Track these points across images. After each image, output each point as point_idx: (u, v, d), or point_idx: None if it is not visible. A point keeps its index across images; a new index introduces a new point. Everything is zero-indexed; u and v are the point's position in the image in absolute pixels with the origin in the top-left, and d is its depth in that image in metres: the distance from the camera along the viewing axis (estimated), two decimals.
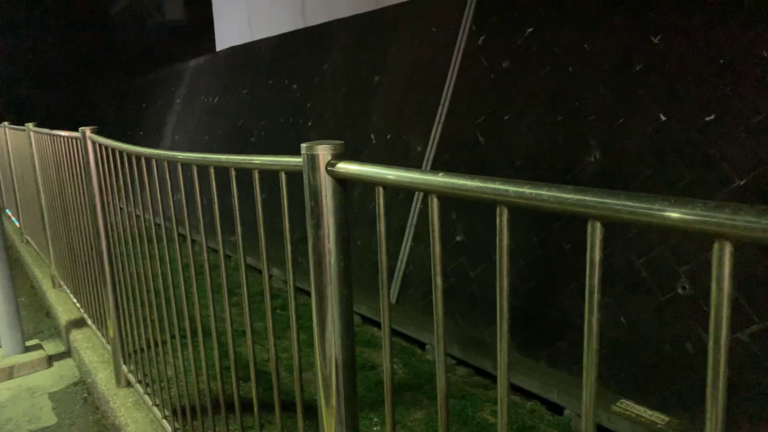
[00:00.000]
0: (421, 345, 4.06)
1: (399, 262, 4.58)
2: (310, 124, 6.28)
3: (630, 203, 0.53)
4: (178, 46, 14.66)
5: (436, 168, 4.55)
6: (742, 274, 2.74)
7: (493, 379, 3.48)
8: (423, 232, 4.40)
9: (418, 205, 4.54)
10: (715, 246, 0.48)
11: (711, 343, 0.49)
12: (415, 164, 4.69)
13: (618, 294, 3.17)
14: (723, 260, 0.47)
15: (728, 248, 0.47)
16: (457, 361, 3.79)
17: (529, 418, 3.15)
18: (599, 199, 0.56)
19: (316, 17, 6.79)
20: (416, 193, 4.40)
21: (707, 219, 0.47)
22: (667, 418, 2.82)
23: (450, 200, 4.30)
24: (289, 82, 6.86)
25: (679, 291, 2.94)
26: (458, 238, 4.18)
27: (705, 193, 2.95)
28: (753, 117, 2.84)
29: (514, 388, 3.40)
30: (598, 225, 0.57)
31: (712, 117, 3.01)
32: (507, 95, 4.14)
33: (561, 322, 3.36)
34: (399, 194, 4.70)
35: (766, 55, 2.84)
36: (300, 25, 7.11)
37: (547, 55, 3.91)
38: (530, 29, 4.10)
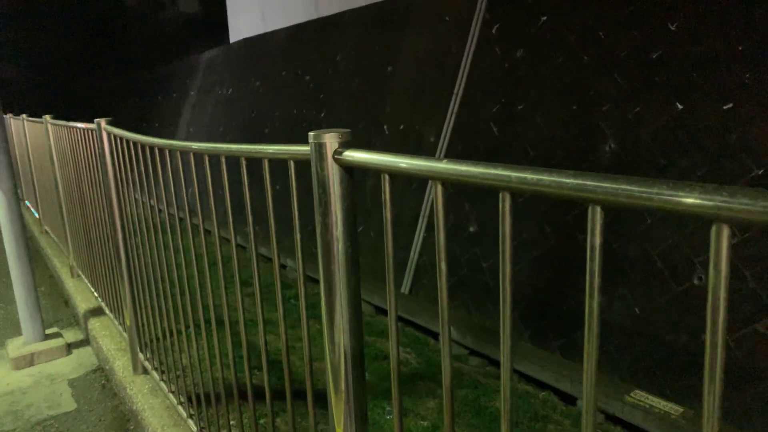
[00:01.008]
0: (435, 335, 4.07)
1: (412, 253, 4.59)
2: (323, 114, 6.29)
3: (628, 187, 0.53)
4: (192, 38, 14.74)
5: (449, 158, 4.54)
6: (759, 264, 2.70)
7: None
8: (434, 224, 4.39)
9: (431, 196, 4.54)
10: (713, 229, 0.48)
11: (708, 326, 0.49)
12: (428, 154, 4.68)
13: (633, 285, 3.15)
14: (721, 243, 0.47)
15: (726, 231, 0.47)
16: (470, 351, 3.80)
17: (542, 407, 3.15)
18: (598, 183, 0.56)
19: (329, 8, 6.78)
20: (429, 183, 4.40)
21: (705, 202, 0.47)
22: (681, 409, 2.80)
23: (463, 191, 4.28)
24: (303, 73, 6.87)
25: (695, 282, 2.91)
26: (471, 229, 4.17)
27: (723, 183, 2.90)
28: None
29: (527, 378, 3.40)
30: (598, 209, 0.58)
31: (730, 105, 2.96)
32: (521, 84, 4.10)
33: (575, 313, 3.35)
34: (412, 184, 4.70)
35: None
36: (313, 16, 7.10)
37: (562, 44, 3.87)
38: (544, 17, 4.06)
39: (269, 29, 8.11)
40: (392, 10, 5.69)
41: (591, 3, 3.78)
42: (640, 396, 2.96)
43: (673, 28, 3.27)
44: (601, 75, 3.59)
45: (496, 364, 3.54)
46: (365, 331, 4.13)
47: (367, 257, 4.95)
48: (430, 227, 4.45)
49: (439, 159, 0.81)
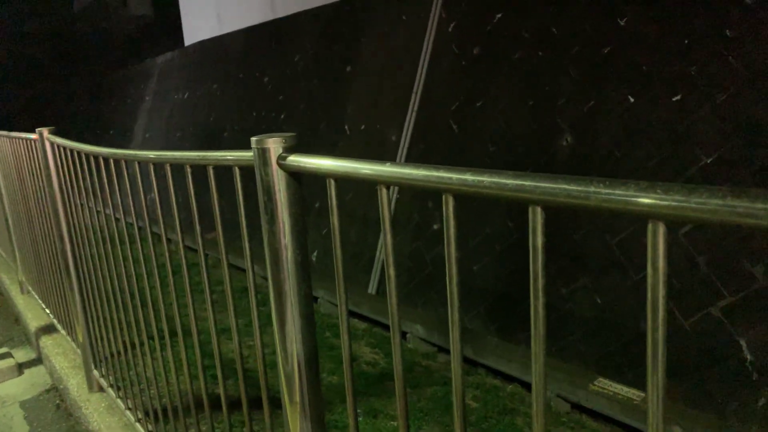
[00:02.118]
0: (403, 334, 4.06)
1: (378, 253, 4.57)
2: (283, 116, 6.21)
3: (566, 186, 0.52)
4: (145, 41, 14.36)
5: (411, 157, 4.54)
6: (713, 249, 2.78)
7: (474, 364, 3.51)
8: (401, 222, 4.39)
9: (396, 196, 4.53)
10: (649, 227, 0.47)
11: (649, 323, 0.48)
12: (389, 154, 4.67)
13: (594, 274, 3.21)
14: (657, 240, 0.47)
15: (661, 228, 0.46)
16: (438, 348, 3.81)
17: (510, 400, 3.18)
18: (536, 184, 0.54)
19: (286, 8, 6.70)
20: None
21: (640, 200, 0.46)
22: (643, 394, 2.86)
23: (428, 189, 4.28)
24: (261, 74, 6.77)
25: None
26: (435, 227, 4.18)
27: (675, 172, 2.98)
28: (718, 95, 2.88)
29: (494, 372, 3.43)
30: (539, 210, 0.56)
31: (679, 97, 3.04)
32: (479, 82, 4.13)
33: (545, 306, 3.39)
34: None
35: (728, 34, 2.88)
36: (269, 17, 7.00)
37: (517, 40, 3.91)
38: (499, 14, 4.09)
39: (225, 31, 7.96)
40: (349, 10, 5.65)
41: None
42: (603, 384, 3.01)
43: (622, 24, 3.34)
44: (556, 70, 3.64)
45: (466, 360, 3.55)
46: (332, 333, 4.09)
47: (331, 258, 4.90)
48: (396, 227, 4.44)
49: (383, 162, 0.79)
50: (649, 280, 0.47)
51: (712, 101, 2.90)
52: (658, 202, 0.45)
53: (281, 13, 6.79)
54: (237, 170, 1.12)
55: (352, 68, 5.39)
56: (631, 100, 3.22)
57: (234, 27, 7.73)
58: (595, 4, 3.50)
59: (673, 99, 3.05)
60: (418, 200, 4.28)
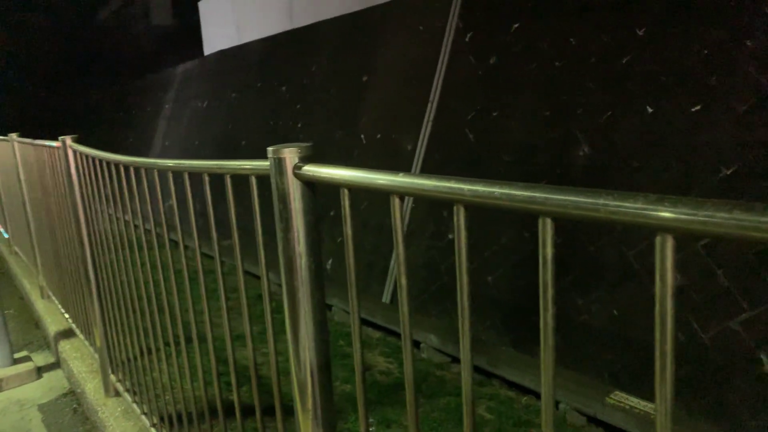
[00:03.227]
0: (416, 344, 4.05)
1: (392, 262, 4.57)
2: (299, 125, 6.27)
3: (576, 198, 0.52)
4: (166, 51, 14.61)
5: (426, 166, 4.55)
6: (732, 262, 2.74)
7: (488, 375, 3.48)
8: (416, 232, 4.39)
9: (411, 205, 4.54)
10: (657, 239, 0.47)
11: (657, 336, 0.48)
12: (405, 163, 4.68)
13: (610, 286, 3.17)
14: (665, 253, 0.47)
15: (670, 241, 0.46)
16: (452, 358, 3.79)
17: (525, 413, 3.15)
18: (547, 195, 0.55)
19: (304, 19, 6.78)
20: None
21: (648, 213, 0.47)
22: None
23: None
24: (278, 84, 6.85)
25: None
26: (450, 236, 4.17)
27: (693, 183, 2.95)
28: (739, 106, 2.84)
29: (509, 384, 3.40)
30: (549, 221, 0.57)
31: (699, 108, 3.01)
32: (495, 91, 4.13)
33: (555, 317, 3.36)
34: None
35: (749, 44, 2.85)
36: (287, 27, 7.09)
37: (534, 50, 3.91)
38: (516, 24, 4.10)
39: (244, 41, 8.08)
40: (366, 21, 5.70)
41: (561, 10, 3.83)
42: (620, 397, 2.97)
43: (640, 34, 3.33)
44: (573, 80, 3.63)
45: (479, 370, 3.53)
46: (347, 342, 4.10)
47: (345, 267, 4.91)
48: (411, 236, 4.44)
49: (396, 173, 0.80)
50: (657, 293, 0.47)
51: (732, 112, 2.87)
52: (666, 215, 0.45)
53: (299, 23, 6.87)
54: (253, 179, 1.14)
55: (369, 78, 5.43)
56: (649, 110, 3.20)
57: (252, 37, 7.84)
58: (613, 14, 3.49)
59: (693, 110, 3.02)
60: (433, 209, 4.28)
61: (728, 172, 2.84)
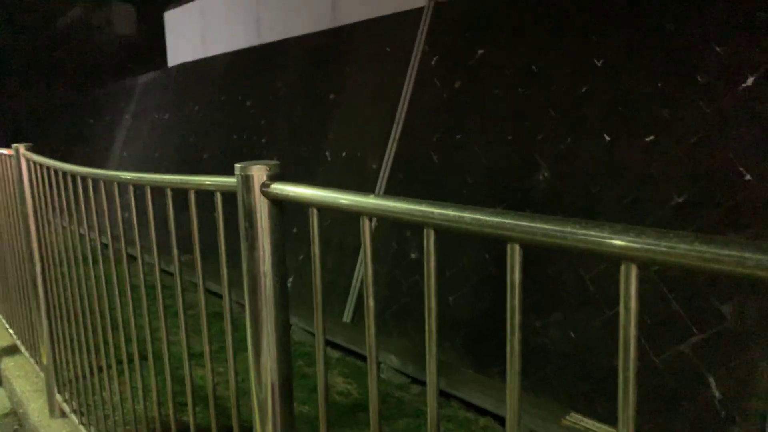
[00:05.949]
0: (377, 364, 4.02)
1: (354, 281, 4.55)
2: (264, 141, 6.22)
3: (544, 226, 0.54)
4: (128, 60, 14.32)
5: (390, 185, 4.57)
6: (684, 287, 2.84)
7: (447, 396, 3.48)
8: (379, 251, 4.39)
9: (374, 223, 4.54)
10: (622, 268, 0.49)
11: (621, 362, 0.49)
12: (370, 182, 4.70)
13: (568, 309, 3.24)
14: (629, 281, 0.48)
15: (633, 270, 0.48)
16: (411, 379, 3.78)
17: None
18: (516, 222, 0.56)
19: (272, 34, 6.77)
20: None
21: (613, 242, 0.48)
22: (614, 430, 2.87)
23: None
24: (243, 98, 6.79)
25: None
26: (413, 256, 4.19)
27: (648, 210, 3.06)
28: (690, 137, 2.99)
29: (468, 405, 3.40)
30: (517, 247, 0.58)
31: (652, 138, 3.14)
32: (460, 115, 4.21)
33: (521, 342, 3.40)
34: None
35: (700, 80, 3.00)
36: (255, 42, 7.07)
37: (498, 77, 4.01)
38: (481, 51, 4.21)
39: (210, 54, 8.00)
40: (335, 39, 5.75)
41: (525, 38, 3.96)
42: (575, 418, 3.01)
43: (599, 65, 3.47)
44: (535, 107, 3.74)
45: (440, 392, 3.52)
46: (306, 362, 4.03)
47: (307, 286, 4.86)
48: (374, 255, 4.43)
49: (367, 194, 0.80)
50: (621, 320, 0.49)
51: (683, 143, 3.01)
52: (630, 244, 0.47)
53: (267, 39, 6.86)
54: (219, 196, 1.12)
55: (336, 96, 5.45)
56: (607, 138, 3.32)
57: (218, 50, 7.78)
58: (575, 44, 3.62)
59: (647, 139, 3.16)
60: (395, 229, 4.29)
61: (680, 200, 2.96)
